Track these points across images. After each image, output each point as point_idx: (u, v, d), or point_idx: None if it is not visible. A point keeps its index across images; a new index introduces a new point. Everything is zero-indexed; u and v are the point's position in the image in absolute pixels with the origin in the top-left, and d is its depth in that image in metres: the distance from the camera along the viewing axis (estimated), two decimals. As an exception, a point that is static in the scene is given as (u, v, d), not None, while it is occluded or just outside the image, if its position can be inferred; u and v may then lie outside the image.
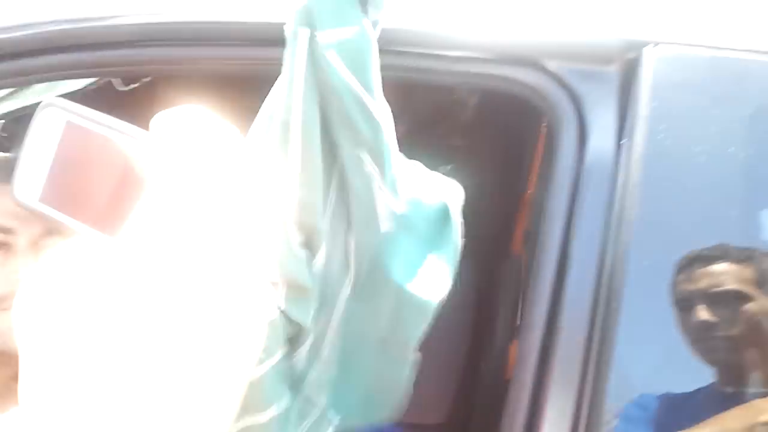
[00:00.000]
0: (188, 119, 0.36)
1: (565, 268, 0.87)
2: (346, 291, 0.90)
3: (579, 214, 0.88)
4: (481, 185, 0.99)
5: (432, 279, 0.91)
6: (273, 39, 0.97)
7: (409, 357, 0.92)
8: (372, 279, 0.90)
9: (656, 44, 0.89)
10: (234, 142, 0.35)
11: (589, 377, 0.83)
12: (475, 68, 0.93)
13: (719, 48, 0.89)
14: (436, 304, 0.90)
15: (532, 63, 0.92)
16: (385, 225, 0.89)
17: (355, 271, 0.89)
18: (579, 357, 0.84)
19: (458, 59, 0.93)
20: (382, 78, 0.85)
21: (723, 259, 0.85)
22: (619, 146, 0.88)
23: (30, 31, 1.00)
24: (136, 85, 2.49)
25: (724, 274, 0.85)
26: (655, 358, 0.85)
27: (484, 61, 0.94)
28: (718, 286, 0.85)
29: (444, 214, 0.94)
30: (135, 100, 2.58)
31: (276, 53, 0.98)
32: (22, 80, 1.29)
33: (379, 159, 0.85)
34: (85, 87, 2.42)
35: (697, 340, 0.84)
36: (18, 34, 0.99)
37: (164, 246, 0.33)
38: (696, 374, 0.85)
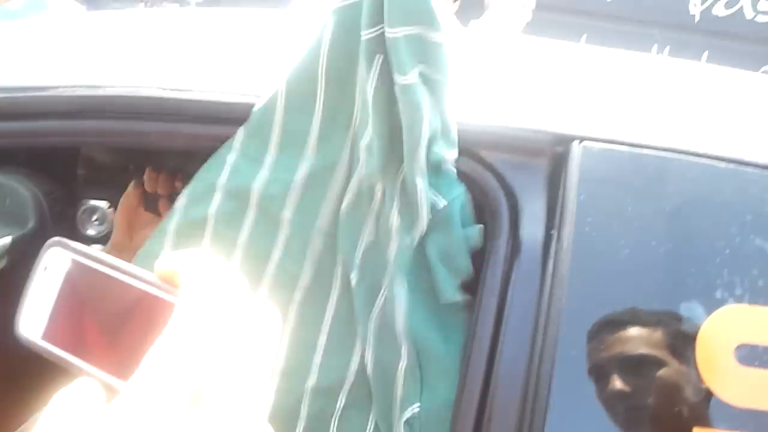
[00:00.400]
0: (194, 264, 0.37)
1: (494, 357, 0.91)
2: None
3: (510, 300, 0.92)
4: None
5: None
6: (208, 116, 0.99)
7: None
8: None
9: (582, 140, 0.95)
10: (239, 285, 0.37)
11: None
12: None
13: (640, 146, 0.95)
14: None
15: (469, 153, 0.97)
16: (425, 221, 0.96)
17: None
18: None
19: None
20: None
21: (633, 324, 0.91)
22: (548, 236, 0.93)
23: None
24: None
25: (635, 339, 0.91)
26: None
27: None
28: (630, 352, 0.90)
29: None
30: (55, 154, 2.53)
31: (203, 130, 1.00)
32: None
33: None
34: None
35: (614, 412, 0.89)
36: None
37: (175, 393, 0.34)
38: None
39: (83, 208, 2.66)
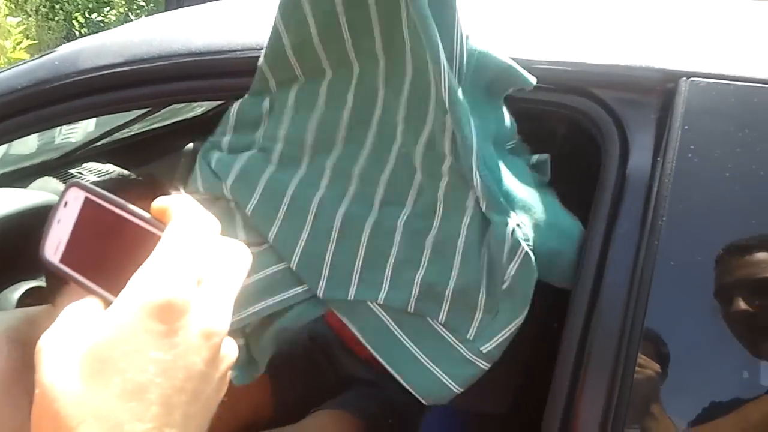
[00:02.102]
0: (179, 206, 0.48)
1: (604, 265, 1.02)
2: None
3: (619, 219, 1.03)
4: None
5: None
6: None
7: None
8: None
9: (690, 76, 1.03)
10: (214, 225, 0.48)
11: (621, 364, 0.97)
12: (535, 95, 1.09)
13: (745, 80, 1.02)
14: None
15: (584, 91, 1.08)
16: None
17: None
18: (614, 344, 0.98)
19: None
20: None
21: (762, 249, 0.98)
22: (654, 164, 1.02)
23: (162, 63, 1.20)
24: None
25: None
26: (680, 348, 0.98)
27: (544, 89, 1.10)
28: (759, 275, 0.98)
29: None
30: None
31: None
32: (152, 102, 1.46)
33: None
34: (207, 112, 2.67)
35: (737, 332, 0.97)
36: (150, 65, 1.19)
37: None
38: (720, 364, 0.98)
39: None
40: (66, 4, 11.13)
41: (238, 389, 2.03)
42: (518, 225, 1.05)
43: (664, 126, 1.04)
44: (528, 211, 1.07)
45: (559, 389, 1.01)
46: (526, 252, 1.04)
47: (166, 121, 2.61)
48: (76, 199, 0.50)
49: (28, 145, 2.23)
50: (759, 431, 0.97)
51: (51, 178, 2.24)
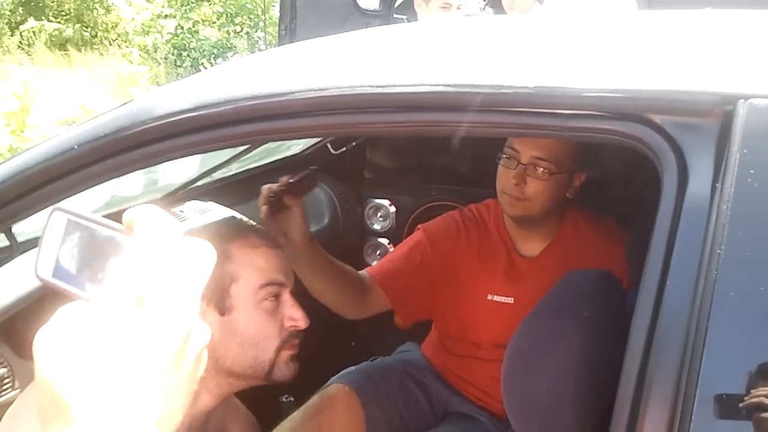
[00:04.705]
0: (144, 215, 0.54)
1: (662, 294, 0.98)
2: None
3: (677, 248, 0.99)
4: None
5: None
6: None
7: None
8: None
9: (748, 98, 1.00)
10: (175, 228, 0.54)
11: (681, 396, 0.94)
12: (587, 123, 1.08)
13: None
14: None
15: (638, 117, 1.05)
16: None
17: None
18: (674, 375, 0.95)
19: (571, 116, 1.08)
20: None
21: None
22: (713, 189, 0.99)
23: (228, 107, 1.25)
24: (344, 149, 2.80)
25: None
26: (740, 380, 0.94)
27: (598, 117, 1.08)
28: None
29: None
30: (345, 161, 2.89)
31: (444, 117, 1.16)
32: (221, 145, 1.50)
33: None
34: (303, 151, 2.77)
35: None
36: (217, 110, 1.25)
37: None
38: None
39: (369, 206, 3.02)
40: (192, 51, 11.73)
41: (332, 421, 2.07)
42: None
43: (724, 150, 1.00)
44: None
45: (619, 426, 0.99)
46: None
47: (265, 160, 2.70)
48: (59, 221, 0.56)
49: (134, 186, 2.35)
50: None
51: (155, 217, 2.35)
